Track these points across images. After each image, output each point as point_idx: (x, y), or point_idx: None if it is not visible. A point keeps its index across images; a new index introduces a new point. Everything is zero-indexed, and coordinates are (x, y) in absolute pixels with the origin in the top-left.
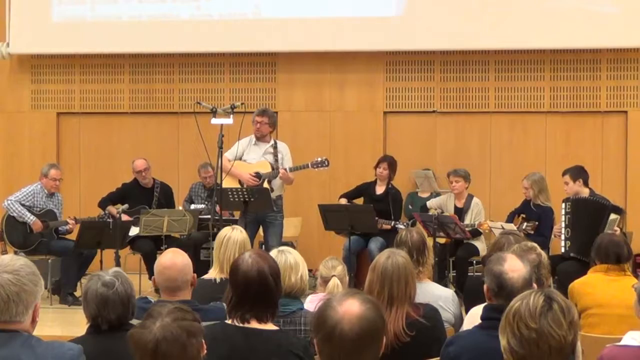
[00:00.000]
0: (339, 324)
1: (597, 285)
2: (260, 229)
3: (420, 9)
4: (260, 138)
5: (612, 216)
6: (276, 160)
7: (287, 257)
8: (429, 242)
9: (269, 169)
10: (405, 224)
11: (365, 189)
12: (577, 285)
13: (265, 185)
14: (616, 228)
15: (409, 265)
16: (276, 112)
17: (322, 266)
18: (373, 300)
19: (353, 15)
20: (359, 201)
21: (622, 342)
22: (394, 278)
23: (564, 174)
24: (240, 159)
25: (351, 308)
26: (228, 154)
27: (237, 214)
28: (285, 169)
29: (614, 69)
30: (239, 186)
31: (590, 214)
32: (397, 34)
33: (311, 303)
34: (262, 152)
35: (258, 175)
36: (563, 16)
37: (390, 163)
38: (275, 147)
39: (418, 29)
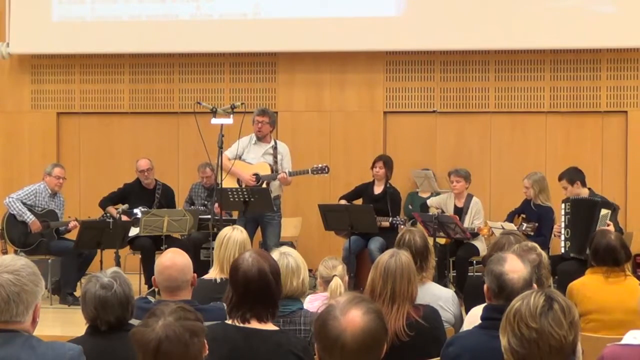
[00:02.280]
0: (341, 335)
1: (597, 289)
2: (259, 229)
3: (420, 9)
4: (262, 138)
5: (603, 211)
6: (276, 162)
7: (288, 261)
8: (430, 243)
9: (268, 171)
10: (402, 219)
11: (364, 190)
12: (576, 286)
13: (264, 187)
14: (608, 222)
15: (412, 265)
16: (276, 112)
17: (321, 266)
18: (376, 308)
19: (353, 15)
20: (358, 202)
21: (623, 341)
22: (397, 275)
23: (560, 178)
24: (240, 158)
25: (354, 319)
26: (228, 153)
27: (235, 214)
28: (285, 173)
29: (614, 69)
30: (237, 186)
31: (584, 213)
32: (397, 34)
33: (310, 303)
34: (262, 152)
35: (257, 176)
36: (563, 16)
37: (386, 162)
38: (275, 148)
39: (418, 29)
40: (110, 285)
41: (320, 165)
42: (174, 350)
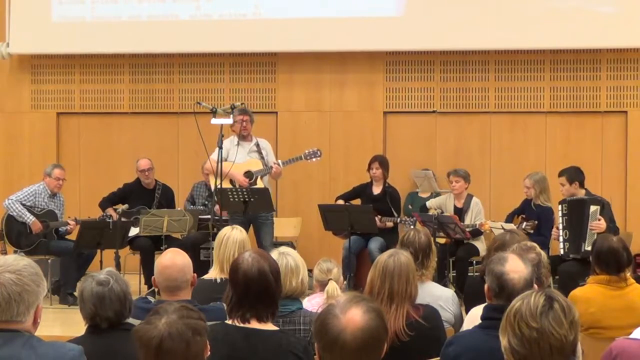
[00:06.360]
0: (341, 334)
1: (599, 305)
2: (251, 229)
3: (420, 9)
4: (245, 137)
5: (592, 208)
6: (262, 158)
7: (287, 260)
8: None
9: (260, 166)
10: (412, 220)
11: (363, 190)
12: (578, 300)
13: (259, 182)
14: (599, 217)
15: (411, 265)
16: (276, 112)
17: (316, 270)
18: (376, 307)
19: (353, 15)
20: (356, 202)
21: (632, 335)
22: (395, 274)
23: (560, 175)
24: (226, 160)
25: (354, 318)
26: (214, 156)
27: (224, 214)
28: (279, 164)
29: (614, 69)
30: (231, 186)
31: (576, 212)
32: (397, 34)
33: (308, 302)
34: (246, 151)
35: (250, 174)
36: (563, 16)
37: (381, 162)
38: (258, 144)
39: (418, 29)
40: (107, 281)
41: (312, 150)
42: (176, 347)
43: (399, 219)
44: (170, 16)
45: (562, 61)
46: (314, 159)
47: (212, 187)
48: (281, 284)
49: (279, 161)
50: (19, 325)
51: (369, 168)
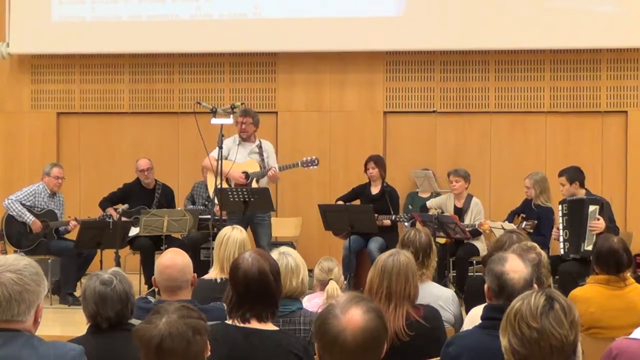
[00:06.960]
0: (341, 334)
1: (599, 304)
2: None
3: (420, 9)
4: (246, 138)
5: (591, 208)
6: (262, 160)
7: (288, 260)
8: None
9: (258, 168)
10: (406, 216)
11: (361, 191)
12: (578, 300)
13: (254, 184)
14: (598, 217)
15: (411, 264)
16: (276, 112)
17: (317, 269)
18: (376, 307)
19: (353, 15)
20: (356, 203)
21: (632, 335)
22: (393, 274)
23: (560, 174)
24: (226, 158)
25: (354, 318)
26: (214, 154)
27: (224, 215)
28: (275, 169)
29: (614, 69)
30: (227, 186)
31: (576, 212)
32: (397, 34)
33: (308, 302)
34: (247, 151)
35: (246, 174)
36: (563, 16)
37: (377, 161)
38: (260, 146)
39: (418, 29)
40: (110, 281)
41: (310, 158)
42: (176, 347)
43: (394, 217)
44: (170, 16)
45: (562, 61)
46: (311, 167)
47: (209, 185)
48: (281, 284)
49: (276, 166)
50: (20, 325)
51: (366, 169)
